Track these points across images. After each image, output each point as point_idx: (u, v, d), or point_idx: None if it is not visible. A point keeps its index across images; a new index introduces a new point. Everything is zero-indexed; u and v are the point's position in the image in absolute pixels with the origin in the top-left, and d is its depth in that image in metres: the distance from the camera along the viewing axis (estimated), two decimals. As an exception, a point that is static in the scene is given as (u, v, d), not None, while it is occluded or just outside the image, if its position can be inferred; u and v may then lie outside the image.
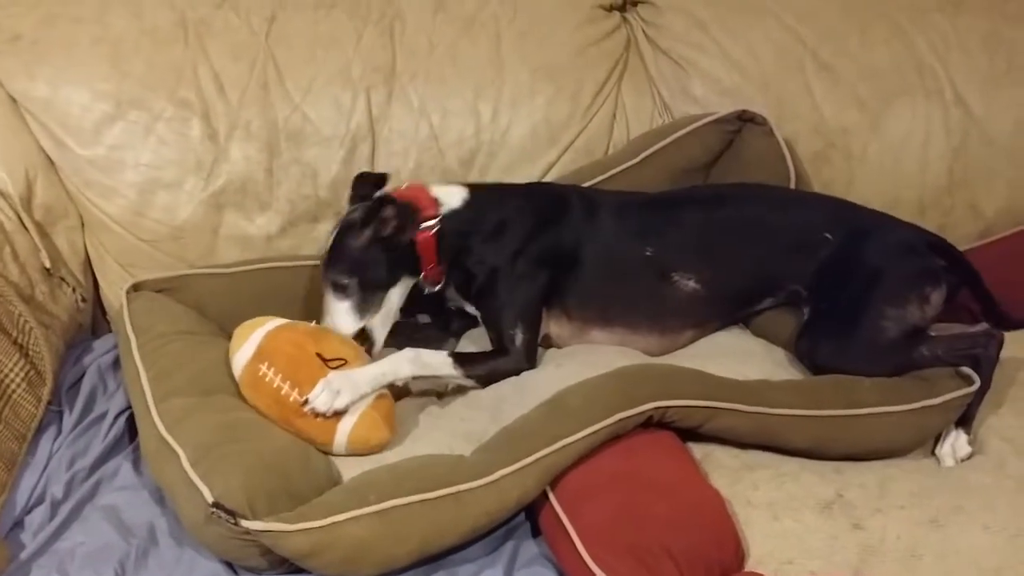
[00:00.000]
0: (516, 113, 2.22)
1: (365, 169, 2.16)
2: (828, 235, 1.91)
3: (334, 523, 1.48)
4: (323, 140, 2.17)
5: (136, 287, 1.98)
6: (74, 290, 2.11)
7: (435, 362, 1.83)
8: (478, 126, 2.21)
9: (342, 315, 1.85)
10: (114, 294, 2.12)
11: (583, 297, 1.94)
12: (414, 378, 1.82)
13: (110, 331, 2.17)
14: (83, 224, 2.19)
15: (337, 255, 1.87)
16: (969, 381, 1.72)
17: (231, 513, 1.48)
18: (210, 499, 1.50)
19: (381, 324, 1.88)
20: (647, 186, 2.09)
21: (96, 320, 2.22)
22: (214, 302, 1.99)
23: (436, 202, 1.91)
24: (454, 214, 1.91)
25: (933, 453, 1.73)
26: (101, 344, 2.08)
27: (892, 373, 1.77)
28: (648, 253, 1.93)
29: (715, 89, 2.25)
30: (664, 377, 1.72)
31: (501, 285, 1.91)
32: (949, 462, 1.71)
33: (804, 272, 1.91)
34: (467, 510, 1.54)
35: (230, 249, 2.17)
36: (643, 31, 2.32)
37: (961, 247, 2.18)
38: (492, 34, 2.25)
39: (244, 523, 1.47)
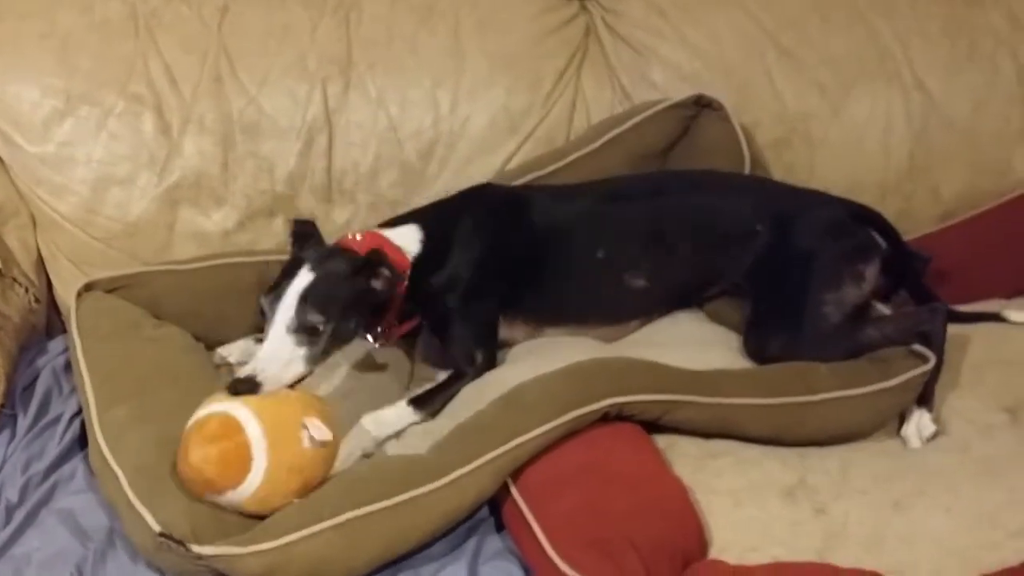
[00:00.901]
0: (475, 103, 2.19)
1: (322, 162, 2.14)
2: (759, 227, 1.91)
3: (288, 543, 1.45)
4: (279, 133, 2.13)
5: (88, 287, 1.94)
6: (27, 290, 2.08)
7: (395, 419, 1.74)
8: (437, 116, 2.18)
9: (294, 364, 1.63)
10: (68, 294, 2.07)
11: (538, 303, 1.92)
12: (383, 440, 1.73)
13: (65, 332, 2.10)
14: (35, 223, 2.15)
15: (318, 294, 1.64)
16: (924, 359, 1.72)
17: (180, 542, 1.44)
18: (156, 528, 1.47)
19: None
20: (606, 173, 2.07)
21: (50, 321, 2.18)
22: (170, 300, 1.96)
23: (402, 252, 1.80)
24: (417, 261, 1.82)
25: (899, 435, 1.73)
26: (55, 345, 2.05)
27: (844, 358, 1.77)
28: (600, 256, 1.92)
29: (675, 76, 2.23)
30: (620, 372, 1.70)
31: (460, 311, 1.84)
32: (915, 443, 1.71)
33: (741, 265, 1.92)
34: (425, 513, 1.52)
35: (186, 245, 2.13)
36: (602, 18, 2.30)
37: (922, 231, 2.22)
38: (450, 23, 2.21)
39: (195, 549, 1.44)
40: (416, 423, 1.75)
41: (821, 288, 1.83)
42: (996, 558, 1.48)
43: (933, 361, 1.72)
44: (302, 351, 1.64)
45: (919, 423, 1.72)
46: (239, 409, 1.55)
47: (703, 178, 2.05)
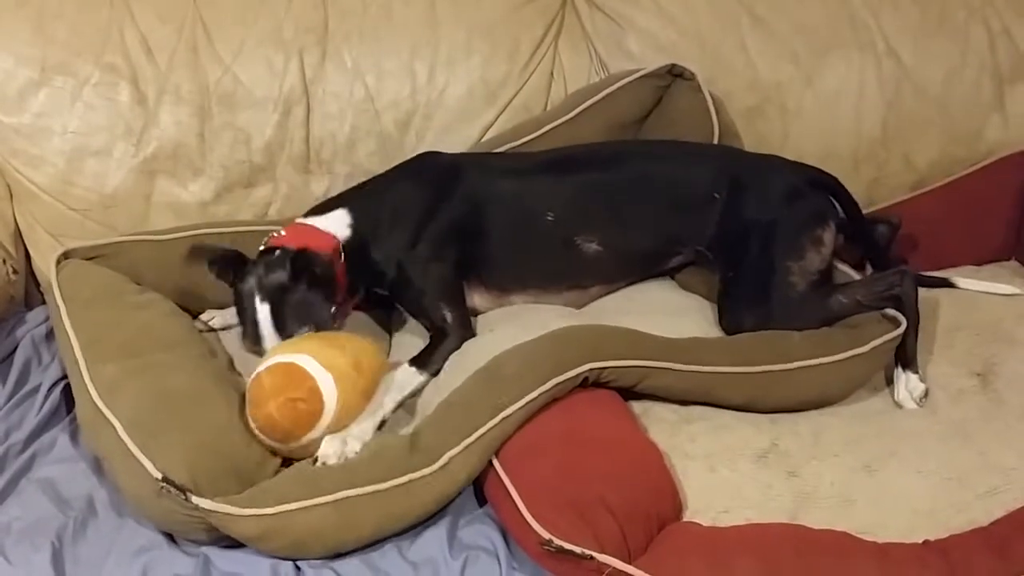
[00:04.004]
0: (453, 73, 2.19)
1: (299, 132, 2.14)
2: (716, 195, 1.92)
3: (285, 511, 1.47)
4: (256, 103, 2.13)
5: (67, 255, 1.94)
6: (4, 262, 2.07)
7: (406, 379, 1.77)
8: (414, 87, 2.18)
9: None
10: (46, 265, 2.07)
11: (495, 266, 1.94)
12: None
13: (43, 303, 2.13)
14: (11, 194, 2.14)
15: (287, 314, 1.73)
16: (895, 323, 1.75)
17: (181, 489, 1.46)
18: (156, 474, 1.48)
19: None
20: (582, 142, 2.07)
21: (29, 292, 2.18)
22: (147, 270, 1.96)
23: (332, 237, 1.83)
24: (348, 242, 1.84)
25: (894, 401, 1.75)
26: (34, 316, 2.05)
27: (818, 326, 1.79)
28: (550, 219, 1.93)
29: (651, 46, 2.23)
30: (597, 339, 1.72)
31: (413, 274, 1.88)
32: (910, 405, 1.73)
33: (702, 233, 1.93)
34: (418, 498, 1.54)
35: (163, 216, 2.13)
36: (578, -13, 2.30)
37: (894, 199, 2.23)
38: (427, -8, 2.21)
39: (195, 500, 1.46)
40: (422, 384, 1.78)
41: (784, 258, 1.85)
42: (965, 519, 1.50)
43: (904, 325, 1.74)
44: None
45: (908, 386, 1.75)
46: (298, 356, 1.64)
47: (661, 147, 2.06)
